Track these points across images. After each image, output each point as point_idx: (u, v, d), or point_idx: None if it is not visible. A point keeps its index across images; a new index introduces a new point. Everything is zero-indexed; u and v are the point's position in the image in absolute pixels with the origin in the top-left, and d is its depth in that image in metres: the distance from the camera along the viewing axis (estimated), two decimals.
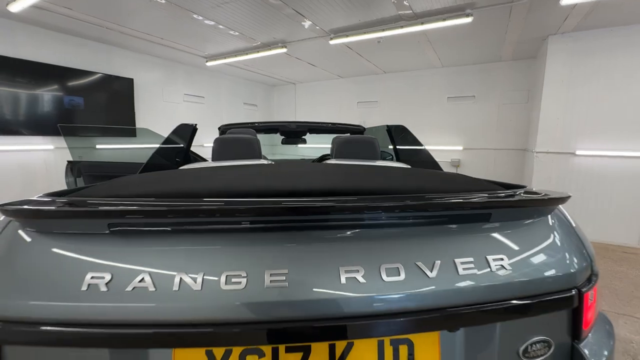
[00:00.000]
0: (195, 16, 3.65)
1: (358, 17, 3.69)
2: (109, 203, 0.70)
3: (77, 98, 4.48)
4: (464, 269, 0.65)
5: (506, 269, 0.67)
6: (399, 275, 0.63)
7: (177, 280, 0.59)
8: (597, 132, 4.00)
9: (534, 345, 0.69)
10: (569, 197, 0.76)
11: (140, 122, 5.29)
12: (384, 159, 2.44)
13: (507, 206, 0.75)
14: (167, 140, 2.31)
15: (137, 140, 4.86)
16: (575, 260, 0.75)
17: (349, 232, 0.70)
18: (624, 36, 3.76)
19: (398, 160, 2.56)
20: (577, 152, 4.11)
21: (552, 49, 4.15)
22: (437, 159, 2.41)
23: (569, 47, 4.05)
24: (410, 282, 0.63)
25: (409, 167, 1.62)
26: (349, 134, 2.75)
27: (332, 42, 4.31)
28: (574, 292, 0.71)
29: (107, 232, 0.64)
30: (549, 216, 0.80)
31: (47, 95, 4.19)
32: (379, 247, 0.67)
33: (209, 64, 5.64)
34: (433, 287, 0.63)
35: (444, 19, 3.60)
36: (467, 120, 5.87)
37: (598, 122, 3.98)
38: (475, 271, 0.66)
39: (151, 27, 4.10)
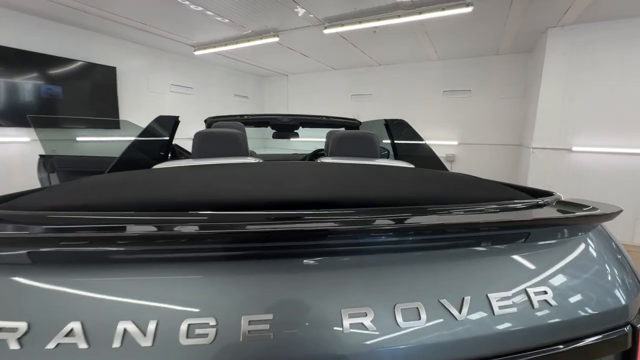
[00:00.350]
0: (180, 0, 3.41)
1: (354, 4, 3.50)
2: (36, 219, 0.54)
3: (55, 87, 4.21)
4: (500, 307, 0.51)
5: (551, 305, 0.53)
6: (419, 318, 0.48)
7: (119, 331, 0.43)
8: (594, 128, 3.92)
9: None
10: (621, 210, 0.62)
11: (125, 113, 5.03)
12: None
13: (555, 224, 0.61)
14: (143, 134, 2.12)
15: (115, 133, 4.61)
16: (626, 288, 0.61)
17: (352, 260, 0.54)
18: (622, 29, 3.66)
19: (396, 157, 2.42)
20: (574, 149, 4.04)
21: (551, 42, 4.04)
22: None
23: (569, 40, 3.94)
24: (434, 327, 0.48)
25: (414, 167, 1.48)
26: (344, 129, 2.60)
27: (326, 31, 4.12)
28: (627, 328, 0.57)
29: (28, 262, 0.48)
30: (591, 233, 0.67)
31: (22, 84, 3.91)
32: (392, 280, 0.52)
33: (197, 53, 5.38)
34: (463, 332, 0.49)
35: (443, 9, 3.45)
36: (462, 115, 5.77)
37: (595, 117, 3.90)
38: (514, 309, 0.51)
39: (133, 12, 3.83)
